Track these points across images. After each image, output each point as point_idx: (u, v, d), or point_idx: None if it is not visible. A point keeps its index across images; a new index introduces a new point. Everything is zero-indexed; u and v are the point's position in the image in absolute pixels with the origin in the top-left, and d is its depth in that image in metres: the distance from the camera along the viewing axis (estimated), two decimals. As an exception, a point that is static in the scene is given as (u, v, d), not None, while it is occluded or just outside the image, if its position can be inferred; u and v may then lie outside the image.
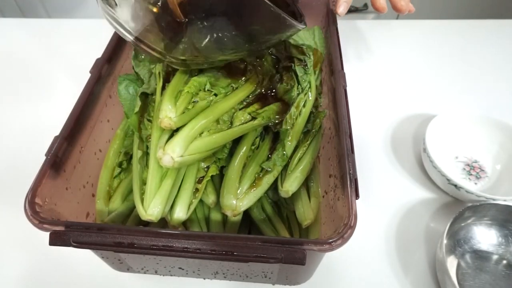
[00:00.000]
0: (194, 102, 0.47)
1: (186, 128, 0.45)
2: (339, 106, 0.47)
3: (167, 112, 0.44)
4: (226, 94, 0.49)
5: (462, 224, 0.54)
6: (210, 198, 0.50)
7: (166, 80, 0.49)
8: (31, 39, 0.91)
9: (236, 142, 0.52)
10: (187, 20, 0.42)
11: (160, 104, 0.45)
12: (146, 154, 0.50)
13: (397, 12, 0.61)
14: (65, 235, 0.36)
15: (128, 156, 0.55)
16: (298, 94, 0.54)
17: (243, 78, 0.51)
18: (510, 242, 0.53)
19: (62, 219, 0.42)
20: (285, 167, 0.51)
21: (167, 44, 0.44)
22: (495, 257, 0.53)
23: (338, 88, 0.49)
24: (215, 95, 0.48)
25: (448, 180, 0.56)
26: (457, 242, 0.53)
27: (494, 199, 0.53)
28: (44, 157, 0.42)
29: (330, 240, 0.35)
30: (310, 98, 0.55)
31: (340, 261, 0.54)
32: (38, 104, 0.77)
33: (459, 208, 0.52)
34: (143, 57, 0.61)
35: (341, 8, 0.60)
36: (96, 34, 0.92)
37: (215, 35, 0.42)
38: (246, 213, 0.52)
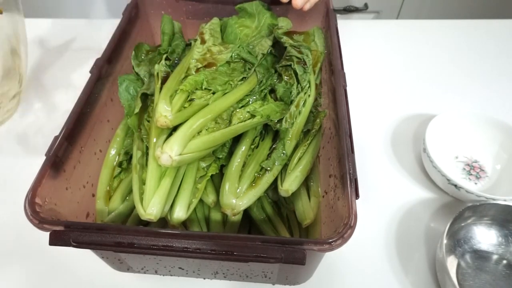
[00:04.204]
0: (190, 100, 0.47)
1: (184, 127, 0.45)
2: (339, 106, 0.47)
3: (162, 110, 0.44)
4: (225, 93, 0.49)
5: (462, 224, 0.54)
6: (210, 198, 0.50)
7: (164, 81, 0.49)
8: (31, 39, 0.91)
9: (236, 141, 0.52)
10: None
11: (156, 103, 0.45)
12: (146, 154, 0.50)
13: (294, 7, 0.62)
14: (65, 235, 0.36)
15: (128, 156, 0.55)
16: (298, 93, 0.54)
17: (242, 77, 0.51)
18: (510, 242, 0.53)
19: (62, 219, 0.42)
20: (285, 167, 0.51)
21: None
22: (495, 257, 0.53)
23: (338, 88, 0.49)
24: (213, 93, 0.48)
25: (448, 180, 0.56)
26: (457, 242, 0.53)
27: (494, 199, 0.53)
28: (44, 157, 0.42)
29: (330, 240, 0.35)
30: (310, 97, 0.55)
31: (340, 261, 0.54)
32: (38, 104, 0.77)
33: (459, 208, 0.52)
34: (143, 57, 0.61)
35: (299, 2, 0.61)
36: (96, 34, 0.92)
37: None
38: (246, 213, 0.52)
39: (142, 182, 0.46)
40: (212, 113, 0.47)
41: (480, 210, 0.53)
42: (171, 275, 0.52)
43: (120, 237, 0.36)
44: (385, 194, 0.62)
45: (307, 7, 0.63)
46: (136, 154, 0.50)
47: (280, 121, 0.52)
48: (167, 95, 0.46)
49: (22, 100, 0.77)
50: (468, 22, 0.96)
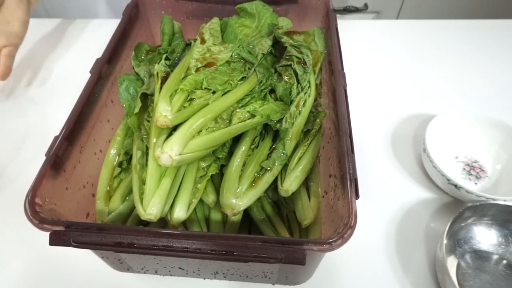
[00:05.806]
0: (190, 100, 0.47)
1: (184, 127, 0.45)
2: (339, 106, 0.47)
3: (162, 110, 0.44)
4: (225, 92, 0.49)
5: (462, 224, 0.54)
6: (210, 198, 0.50)
7: (164, 80, 0.49)
8: (31, 39, 0.91)
9: (236, 141, 0.52)
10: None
11: (156, 103, 0.46)
12: (146, 154, 0.50)
13: None
14: (65, 235, 0.36)
15: (128, 156, 0.55)
16: (298, 93, 0.54)
17: (242, 77, 0.51)
18: (510, 242, 0.53)
19: (62, 219, 0.42)
20: (285, 167, 0.51)
21: None
22: (495, 257, 0.53)
23: (338, 88, 0.49)
24: (213, 93, 0.48)
25: (448, 180, 0.56)
26: (457, 242, 0.53)
27: (494, 199, 0.53)
28: (44, 157, 0.42)
29: (330, 240, 0.35)
30: (310, 97, 0.55)
31: (340, 261, 0.54)
32: (38, 104, 0.77)
33: (459, 208, 0.52)
34: (143, 57, 0.61)
35: None
36: (96, 34, 0.92)
37: None
38: (246, 213, 0.52)
39: (142, 182, 0.46)
40: (212, 112, 0.47)
41: (480, 210, 0.53)
42: (171, 275, 0.52)
43: (120, 237, 0.36)
44: (385, 194, 0.62)
45: None
46: (136, 154, 0.50)
47: (280, 121, 0.52)
48: (167, 94, 0.46)
49: (23, 100, 0.77)
50: (468, 22, 0.96)
